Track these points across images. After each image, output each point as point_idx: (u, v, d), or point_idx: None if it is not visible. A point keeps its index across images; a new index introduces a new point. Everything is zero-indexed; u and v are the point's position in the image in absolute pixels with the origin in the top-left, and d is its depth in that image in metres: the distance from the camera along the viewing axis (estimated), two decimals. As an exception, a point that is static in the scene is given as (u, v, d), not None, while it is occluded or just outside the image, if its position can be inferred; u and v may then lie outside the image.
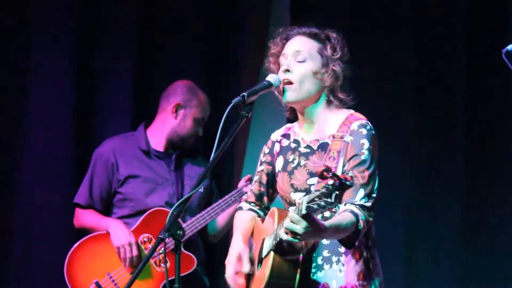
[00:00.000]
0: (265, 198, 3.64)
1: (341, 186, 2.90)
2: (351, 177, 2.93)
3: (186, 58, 5.46)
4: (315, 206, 2.94)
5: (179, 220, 4.65)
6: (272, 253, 3.26)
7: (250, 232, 3.58)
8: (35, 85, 5.32)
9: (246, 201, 3.67)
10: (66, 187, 5.23)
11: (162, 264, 4.77)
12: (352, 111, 3.46)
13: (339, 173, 3.28)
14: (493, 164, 5.12)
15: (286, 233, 3.08)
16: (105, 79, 5.39)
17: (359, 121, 3.39)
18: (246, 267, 3.40)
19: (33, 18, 5.33)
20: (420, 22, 5.23)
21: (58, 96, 5.33)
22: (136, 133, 5.04)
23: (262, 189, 3.63)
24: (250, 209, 3.65)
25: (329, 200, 2.91)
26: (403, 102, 5.21)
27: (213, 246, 5.10)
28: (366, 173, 3.29)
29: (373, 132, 3.38)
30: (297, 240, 3.10)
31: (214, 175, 5.14)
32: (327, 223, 3.11)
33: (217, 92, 5.29)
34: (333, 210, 3.15)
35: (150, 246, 4.80)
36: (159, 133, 5.01)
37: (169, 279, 4.64)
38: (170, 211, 3.16)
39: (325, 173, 2.91)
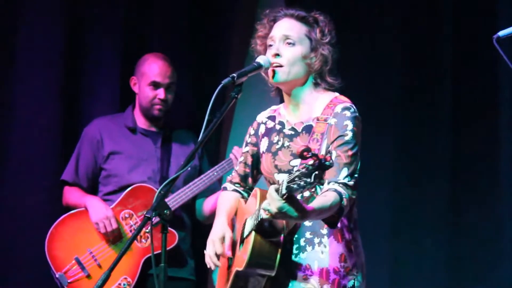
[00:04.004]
0: (250, 179, 3.67)
1: (320, 166, 2.90)
2: (330, 157, 2.94)
3: (174, 41, 5.46)
4: (294, 186, 2.95)
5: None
6: (253, 233, 3.29)
7: (234, 213, 3.61)
8: (21, 75, 5.30)
9: (231, 181, 3.70)
10: (50, 179, 5.22)
11: (143, 240, 4.81)
12: (337, 94, 3.48)
13: None
14: (479, 152, 5.12)
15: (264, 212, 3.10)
16: (92, 68, 5.40)
17: (343, 104, 3.40)
18: (228, 252, 3.44)
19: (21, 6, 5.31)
20: (406, 8, 5.22)
21: (44, 85, 5.32)
22: (124, 113, 5.10)
23: (247, 170, 3.66)
24: (235, 190, 3.68)
25: (308, 180, 2.91)
26: (389, 86, 5.21)
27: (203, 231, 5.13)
28: (350, 153, 3.30)
29: (357, 114, 3.40)
30: (271, 218, 3.10)
31: (207, 153, 5.15)
32: (312, 205, 3.12)
33: (206, 75, 5.32)
34: (312, 190, 3.15)
35: (130, 222, 4.83)
36: (138, 112, 5.06)
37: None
38: (158, 191, 3.17)
39: (305, 153, 2.92)
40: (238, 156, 4.33)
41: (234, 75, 3.29)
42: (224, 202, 3.64)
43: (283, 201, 3.01)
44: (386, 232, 5.17)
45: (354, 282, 3.37)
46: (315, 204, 3.14)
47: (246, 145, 3.66)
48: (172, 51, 5.24)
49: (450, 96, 5.16)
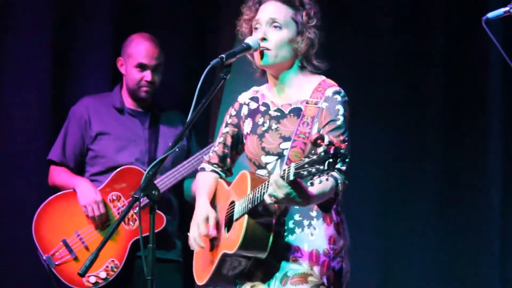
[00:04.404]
0: (228, 160, 3.66)
1: (336, 153, 2.90)
2: (345, 144, 2.94)
3: (164, 21, 5.43)
4: (305, 173, 2.96)
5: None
6: (246, 216, 3.28)
7: (213, 193, 3.60)
8: (11, 49, 5.29)
9: (209, 162, 3.68)
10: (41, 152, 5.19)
11: (130, 222, 4.80)
12: (324, 77, 3.48)
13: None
14: (469, 134, 5.15)
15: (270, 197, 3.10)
16: (81, 45, 5.39)
17: (333, 88, 3.41)
18: (213, 232, 3.43)
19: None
20: (405, 7, 5.23)
21: (34, 60, 5.30)
22: (112, 93, 5.07)
23: (226, 150, 3.64)
24: (213, 171, 3.67)
25: (321, 167, 2.92)
26: (378, 69, 5.21)
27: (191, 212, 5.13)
28: (342, 138, 3.31)
29: (347, 98, 3.41)
30: (273, 203, 3.13)
31: (196, 133, 5.13)
32: (314, 190, 3.14)
33: (194, 55, 5.30)
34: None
35: (118, 204, 4.82)
36: (126, 92, 5.03)
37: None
38: (146, 172, 3.16)
39: (319, 141, 2.92)
40: None
41: (223, 56, 3.28)
42: (204, 183, 3.62)
43: (290, 187, 3.04)
44: (376, 231, 5.18)
45: (342, 264, 3.38)
46: (316, 189, 3.15)
47: (227, 126, 3.64)
48: (161, 31, 5.20)
49: (441, 94, 5.18)
